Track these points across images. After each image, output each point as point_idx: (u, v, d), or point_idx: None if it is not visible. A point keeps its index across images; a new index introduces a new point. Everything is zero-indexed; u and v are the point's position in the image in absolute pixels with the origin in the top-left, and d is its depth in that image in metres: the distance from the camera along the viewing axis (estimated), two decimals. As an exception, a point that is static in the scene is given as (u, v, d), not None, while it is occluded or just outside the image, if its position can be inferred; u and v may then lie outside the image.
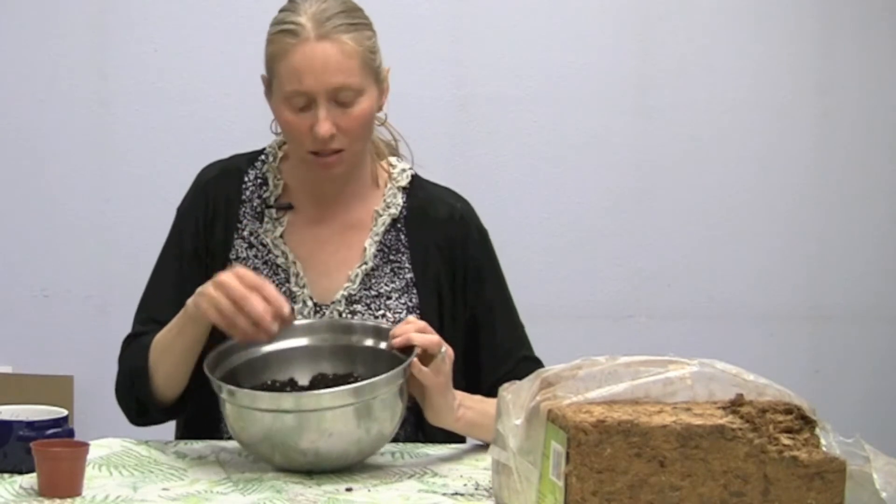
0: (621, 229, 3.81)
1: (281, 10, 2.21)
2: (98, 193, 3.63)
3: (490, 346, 2.27)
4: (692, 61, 3.81)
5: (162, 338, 2.15)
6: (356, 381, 2.03)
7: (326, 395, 1.95)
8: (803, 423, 1.63)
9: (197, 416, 2.26)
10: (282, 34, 2.15)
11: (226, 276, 2.02)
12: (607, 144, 3.80)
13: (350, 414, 1.94)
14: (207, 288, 2.04)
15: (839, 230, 3.89)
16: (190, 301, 2.08)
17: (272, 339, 2.06)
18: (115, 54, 3.65)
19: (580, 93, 3.78)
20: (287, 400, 1.96)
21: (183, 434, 2.30)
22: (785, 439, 1.60)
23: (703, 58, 3.82)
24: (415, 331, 2.05)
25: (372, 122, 2.22)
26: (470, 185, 3.74)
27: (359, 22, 2.17)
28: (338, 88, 2.13)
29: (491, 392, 2.16)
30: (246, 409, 1.97)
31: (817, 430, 1.63)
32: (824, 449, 1.62)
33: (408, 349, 2.04)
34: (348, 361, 2.12)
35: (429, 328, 2.07)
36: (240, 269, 2.04)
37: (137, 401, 2.19)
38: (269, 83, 2.21)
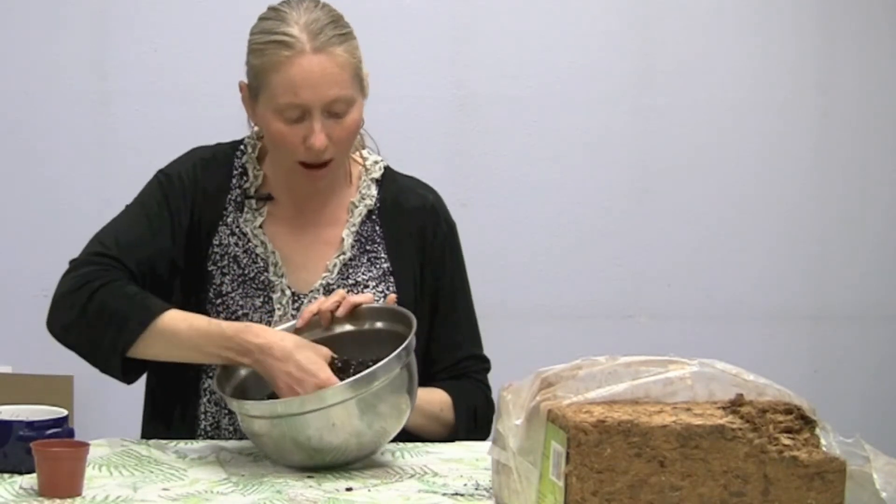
0: (621, 229, 3.81)
1: (264, 19, 2.20)
2: (98, 193, 3.62)
3: (442, 336, 2.28)
4: (692, 61, 3.81)
5: (178, 337, 2.11)
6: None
7: (329, 392, 1.96)
8: (803, 423, 1.62)
9: (173, 414, 2.28)
10: (274, 45, 2.14)
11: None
12: (607, 144, 3.80)
13: (352, 406, 1.95)
14: (287, 373, 2.02)
15: (839, 230, 3.88)
16: (254, 354, 2.05)
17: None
18: (115, 54, 3.65)
19: (580, 93, 3.78)
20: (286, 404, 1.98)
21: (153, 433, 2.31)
22: (785, 439, 1.60)
23: (703, 58, 3.81)
24: (341, 297, 2.13)
25: (359, 130, 2.24)
26: (470, 185, 3.77)
27: (347, 32, 2.18)
28: (333, 101, 2.14)
29: (433, 380, 2.21)
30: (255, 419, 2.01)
31: (817, 430, 1.63)
32: (824, 449, 1.62)
33: (398, 336, 2.05)
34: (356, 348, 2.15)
35: (343, 292, 2.15)
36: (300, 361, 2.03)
37: (104, 345, 2.13)
38: (255, 92, 2.19)
